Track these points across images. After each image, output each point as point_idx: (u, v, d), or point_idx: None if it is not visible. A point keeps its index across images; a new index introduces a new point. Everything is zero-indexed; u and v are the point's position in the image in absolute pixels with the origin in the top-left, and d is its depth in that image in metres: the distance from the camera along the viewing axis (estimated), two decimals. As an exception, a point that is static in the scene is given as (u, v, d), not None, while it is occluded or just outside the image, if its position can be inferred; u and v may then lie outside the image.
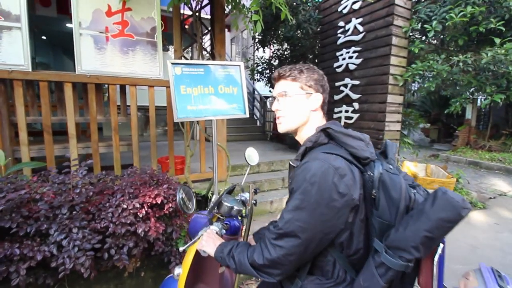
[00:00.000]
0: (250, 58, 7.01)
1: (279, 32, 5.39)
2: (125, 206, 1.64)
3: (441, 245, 0.79)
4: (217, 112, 2.18)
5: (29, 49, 2.02)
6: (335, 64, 4.18)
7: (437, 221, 0.73)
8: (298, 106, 0.95)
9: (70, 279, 1.71)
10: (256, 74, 6.53)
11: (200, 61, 2.19)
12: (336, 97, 4.20)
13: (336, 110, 4.26)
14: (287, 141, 5.96)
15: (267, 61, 6.38)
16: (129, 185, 1.78)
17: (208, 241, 1.01)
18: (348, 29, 3.93)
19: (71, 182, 1.71)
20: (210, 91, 2.17)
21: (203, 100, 2.13)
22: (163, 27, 2.54)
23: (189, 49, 5.00)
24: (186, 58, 2.77)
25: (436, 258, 0.80)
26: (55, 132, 2.30)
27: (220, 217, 1.19)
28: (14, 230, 1.39)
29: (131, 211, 1.64)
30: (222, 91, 2.20)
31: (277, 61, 6.24)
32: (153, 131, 2.56)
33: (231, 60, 7.52)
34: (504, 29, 3.04)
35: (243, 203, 1.24)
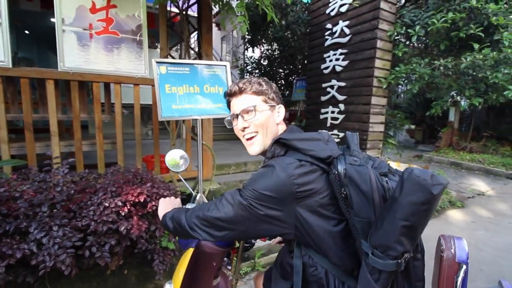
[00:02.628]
0: (239, 57, 7.02)
1: (269, 32, 5.44)
2: (107, 204, 1.64)
3: (464, 267, 0.74)
4: (203, 111, 2.19)
5: (10, 45, 1.98)
6: (323, 66, 4.25)
7: (410, 206, 0.66)
8: (267, 120, 0.91)
9: (51, 277, 1.70)
10: (245, 74, 6.56)
11: (186, 61, 2.21)
12: (323, 98, 4.28)
13: (322, 111, 4.33)
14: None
15: (257, 61, 6.42)
16: (111, 184, 1.78)
17: (163, 204, 1.04)
18: (336, 31, 4.00)
19: (52, 180, 1.69)
20: (195, 91, 2.18)
21: (189, 99, 2.15)
22: (150, 25, 2.53)
23: (178, 47, 4.98)
24: (172, 57, 2.77)
25: (459, 281, 0.76)
26: (37, 130, 2.27)
27: None
28: (-8, 228, 1.38)
29: (113, 209, 1.64)
30: (207, 90, 2.22)
31: (266, 61, 6.29)
32: (137, 129, 2.55)
33: (221, 59, 7.49)
34: (483, 35, 3.17)
35: None
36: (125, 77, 2.41)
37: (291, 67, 6.51)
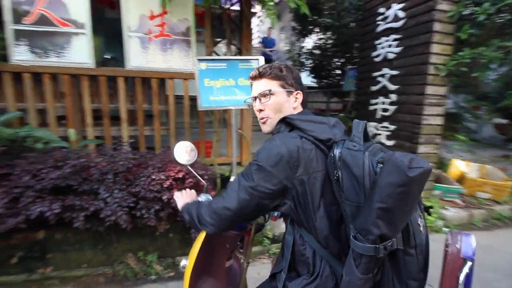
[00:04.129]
0: (291, 48, 7.04)
1: (319, 21, 5.33)
2: (154, 177, 2.04)
3: (469, 263, 0.73)
4: (237, 102, 2.43)
5: (93, 50, 2.56)
6: (374, 53, 4.02)
7: (386, 187, 0.67)
8: (282, 104, 0.94)
9: (115, 230, 2.20)
10: (297, 64, 6.57)
11: (222, 57, 2.47)
12: (373, 88, 4.05)
13: (372, 101, 4.11)
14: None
15: (309, 51, 6.35)
16: (159, 161, 2.19)
17: (180, 197, 1.11)
18: (388, 16, 3.72)
19: (117, 156, 2.19)
20: (231, 84, 2.43)
21: (225, 91, 2.41)
22: (200, 22, 2.87)
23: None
24: (217, 53, 3.08)
25: (462, 277, 0.74)
26: (112, 117, 2.87)
27: None
28: (76, 188, 1.90)
29: (158, 182, 2.04)
30: (242, 83, 2.45)
31: (318, 51, 6.17)
32: (186, 118, 2.96)
33: (275, 46, 7.67)
34: None
35: None
36: (176, 73, 2.82)
37: (348, 55, 6.23)
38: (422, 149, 3.37)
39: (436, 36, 3.15)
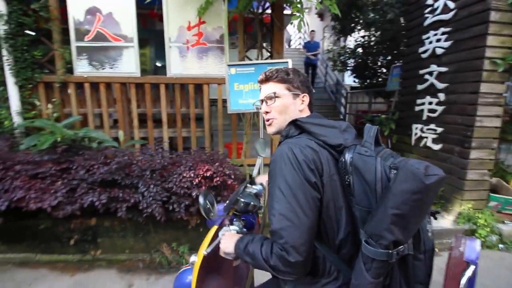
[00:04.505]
0: (332, 48, 6.84)
1: (360, 18, 5.09)
2: (185, 175, 2.22)
3: (472, 267, 0.72)
4: (265, 105, 2.50)
5: (139, 61, 2.88)
6: (420, 49, 3.71)
7: (401, 194, 0.67)
8: (287, 107, 0.97)
9: (152, 221, 2.44)
10: (338, 64, 6.35)
11: (251, 61, 2.56)
12: (419, 87, 3.74)
13: (418, 101, 3.79)
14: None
15: (351, 50, 6.10)
16: (190, 161, 2.36)
17: (227, 241, 1.00)
18: (437, 7, 3.41)
19: (156, 155, 2.43)
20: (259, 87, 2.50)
21: (253, 95, 2.50)
22: (231, 28, 3.02)
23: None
24: (249, 58, 3.18)
25: (463, 281, 0.73)
26: (155, 120, 3.17)
27: (236, 212, 1.18)
28: (120, 182, 2.18)
29: (188, 179, 2.21)
30: (269, 86, 2.50)
31: (361, 49, 5.88)
32: (220, 121, 3.12)
33: (319, 49, 7.52)
34: None
35: (256, 195, 1.22)
36: (211, 78, 3.00)
37: (395, 52, 5.82)
38: (474, 154, 3.00)
39: (492, 26, 2.79)
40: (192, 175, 2.22)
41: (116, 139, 2.82)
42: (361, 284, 0.74)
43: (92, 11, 2.77)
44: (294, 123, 0.91)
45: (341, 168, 0.82)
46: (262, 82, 1.01)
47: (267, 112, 0.98)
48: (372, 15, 4.70)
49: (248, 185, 1.25)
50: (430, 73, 3.55)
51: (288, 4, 2.92)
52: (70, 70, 2.86)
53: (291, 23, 2.39)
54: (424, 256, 0.81)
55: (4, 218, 2.13)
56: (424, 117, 3.67)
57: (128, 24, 2.80)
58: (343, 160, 0.81)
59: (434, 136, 3.49)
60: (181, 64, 2.96)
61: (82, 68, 2.86)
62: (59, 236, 2.41)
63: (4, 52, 2.64)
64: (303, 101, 0.98)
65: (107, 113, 2.99)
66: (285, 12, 3.00)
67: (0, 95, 2.76)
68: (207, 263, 1.17)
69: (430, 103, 3.58)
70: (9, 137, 2.61)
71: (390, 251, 0.69)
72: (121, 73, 2.90)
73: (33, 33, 2.78)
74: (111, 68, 2.90)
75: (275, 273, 0.82)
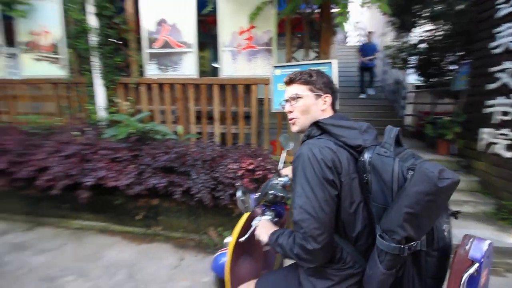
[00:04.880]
0: (392, 44, 6.40)
1: (422, 11, 4.69)
2: (230, 167, 2.47)
3: (476, 264, 0.73)
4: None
5: (198, 64, 3.25)
6: (491, 44, 3.31)
7: (415, 195, 0.72)
8: (309, 107, 1.03)
9: (202, 207, 2.76)
10: (398, 62, 5.94)
11: (295, 63, 2.67)
12: (490, 87, 3.34)
13: (488, 103, 3.38)
14: (428, 140, 5.15)
15: (412, 46, 5.64)
16: (236, 154, 2.61)
17: (262, 231, 1.12)
18: (514, -4, 3.00)
19: (207, 148, 2.74)
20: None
21: (297, 94, 2.61)
22: (279, 31, 3.17)
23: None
24: (296, 59, 3.29)
25: (464, 276, 0.74)
26: (209, 117, 3.52)
27: (266, 203, 1.30)
28: (176, 169, 2.54)
29: (233, 170, 2.45)
30: (313, 86, 2.59)
31: (424, 45, 5.40)
32: (266, 119, 3.31)
33: (377, 52, 7.04)
34: None
35: (284, 187, 1.32)
36: (259, 79, 3.21)
37: (466, 48, 5.19)
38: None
39: None
40: (236, 167, 2.46)
41: (176, 132, 3.25)
42: (375, 274, 0.81)
43: (160, 23, 3.24)
44: (317, 124, 0.99)
45: (360, 167, 0.88)
46: (287, 83, 1.09)
47: (290, 112, 1.07)
48: (437, 7, 4.30)
49: (275, 177, 1.36)
50: (503, 71, 3.15)
51: (335, 4, 2.95)
52: (142, 73, 3.39)
53: (337, 23, 2.42)
54: (437, 254, 0.85)
55: (91, 192, 2.69)
56: (495, 120, 3.27)
57: (189, 32, 3.19)
58: (362, 160, 0.87)
59: (508, 142, 3.09)
60: (232, 66, 3.23)
61: (151, 71, 3.36)
62: (129, 211, 2.92)
63: (93, 59, 3.26)
64: (325, 101, 1.04)
65: (170, 110, 3.45)
66: (335, 10, 3.00)
67: (89, 93, 3.42)
68: (239, 246, 1.31)
69: (503, 104, 3.17)
70: (96, 128, 3.24)
71: (402, 246, 0.75)
72: (182, 75, 3.31)
73: (119, 42, 3.37)
74: (174, 71, 3.33)
75: (299, 261, 0.92)
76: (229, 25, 3.12)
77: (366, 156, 0.87)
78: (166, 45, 3.27)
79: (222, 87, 3.37)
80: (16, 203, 3.17)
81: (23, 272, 2.28)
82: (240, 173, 2.45)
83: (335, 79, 2.54)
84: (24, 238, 2.81)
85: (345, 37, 12.21)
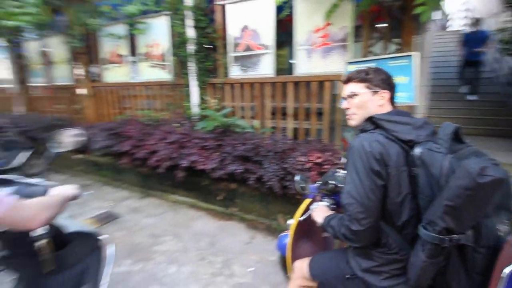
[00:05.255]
0: (505, 27, 5.24)
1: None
2: (298, 159, 2.65)
3: None
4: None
5: (275, 64, 3.51)
6: None
7: (455, 188, 0.76)
8: (365, 103, 1.12)
9: (272, 194, 3.03)
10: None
11: (370, 58, 2.61)
12: None
13: None
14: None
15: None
16: (305, 148, 2.76)
17: (318, 214, 1.27)
18: None
19: (279, 141, 2.99)
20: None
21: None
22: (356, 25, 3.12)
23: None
24: (374, 53, 3.17)
25: (506, 270, 0.75)
26: (282, 113, 3.76)
27: (326, 192, 1.42)
28: (251, 158, 2.88)
29: (300, 163, 2.62)
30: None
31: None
32: (338, 115, 3.32)
33: (489, 41, 5.75)
34: None
35: (344, 178, 1.50)
36: (333, 75, 3.24)
37: None
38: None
39: None
40: (304, 159, 2.62)
41: (253, 126, 3.61)
42: (417, 261, 0.88)
43: (243, 29, 3.64)
44: (370, 119, 1.07)
45: (410, 161, 0.95)
46: (344, 82, 1.20)
47: (347, 108, 1.18)
48: None
49: (337, 169, 1.48)
50: None
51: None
52: (226, 74, 3.88)
53: (421, 12, 2.27)
54: (485, 251, 0.87)
55: (185, 173, 3.31)
56: None
57: (268, 35, 3.48)
58: (413, 154, 0.94)
59: None
60: (306, 64, 3.36)
61: (235, 72, 3.81)
62: (212, 192, 3.44)
63: (190, 64, 3.92)
64: (382, 97, 1.11)
65: (249, 106, 3.85)
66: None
67: (186, 93, 4.12)
68: (301, 228, 1.48)
69: None
70: (190, 121, 3.90)
71: (442, 237, 0.80)
72: (260, 74, 3.64)
73: (211, 46, 3.95)
74: (253, 71, 3.69)
75: (345, 240, 1.04)
76: (305, 25, 3.26)
77: (417, 150, 0.92)
78: (248, 48, 3.65)
79: (296, 84, 3.54)
80: (134, 177, 4.14)
81: (136, 229, 3.04)
82: (308, 165, 2.60)
83: (419, 73, 2.39)
84: (138, 204, 3.68)
85: (446, 22, 10.50)
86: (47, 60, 5.87)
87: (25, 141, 4.60)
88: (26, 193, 1.03)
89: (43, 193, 1.06)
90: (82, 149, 4.53)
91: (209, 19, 3.89)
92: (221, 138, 3.29)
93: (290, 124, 3.64)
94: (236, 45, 3.74)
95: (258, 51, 3.60)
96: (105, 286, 1.42)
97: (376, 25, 3.08)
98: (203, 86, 3.99)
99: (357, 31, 3.12)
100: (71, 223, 1.36)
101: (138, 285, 2.16)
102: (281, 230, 2.95)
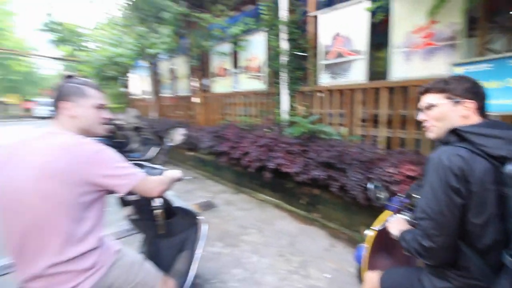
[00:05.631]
0: None
1: None
2: (387, 170, 2.49)
3: None
4: (502, 107, 2.11)
5: (367, 69, 3.39)
6: None
7: None
8: (445, 114, 1.05)
9: (356, 204, 2.93)
10: None
11: (488, 57, 2.21)
12: None
13: None
14: None
15: None
16: (396, 159, 2.56)
17: (394, 226, 1.23)
18: None
19: (367, 150, 2.88)
20: (499, 86, 2.13)
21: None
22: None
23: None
24: (493, 51, 2.62)
25: None
26: (374, 120, 3.55)
27: (410, 206, 1.37)
28: (335, 165, 2.88)
29: (389, 174, 2.45)
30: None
31: None
32: (443, 123, 2.91)
33: None
34: None
35: None
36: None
37: None
38: None
39: None
40: (393, 171, 2.44)
41: (340, 134, 3.57)
42: None
43: (334, 37, 3.66)
44: (454, 131, 0.99)
45: (501, 179, 0.86)
46: (421, 93, 1.15)
47: (424, 120, 1.12)
48: None
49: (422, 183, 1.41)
50: None
51: None
52: (315, 81, 3.97)
53: None
54: None
55: (272, 174, 3.59)
56: None
57: (361, 41, 3.38)
58: (503, 171, 0.85)
59: None
60: (403, 67, 3.09)
61: (324, 79, 3.86)
62: (296, 195, 3.60)
63: (282, 74, 4.20)
64: (466, 107, 1.02)
65: (337, 113, 3.82)
66: None
67: (277, 101, 4.42)
68: (379, 240, 1.47)
69: None
70: (279, 126, 4.18)
71: None
72: (350, 81, 3.57)
73: (304, 54, 4.14)
74: (344, 77, 3.65)
75: (417, 255, 0.99)
76: (403, 25, 3.01)
77: (509, 168, 0.83)
78: (339, 55, 3.65)
79: (391, 90, 3.30)
80: (230, 174, 4.75)
81: (229, 219, 3.50)
82: (398, 177, 2.42)
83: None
84: (232, 198, 4.22)
85: None
86: (173, 76, 7.41)
87: (156, 139, 5.97)
88: (150, 173, 1.48)
89: (160, 174, 1.50)
90: (192, 147, 5.52)
91: (301, 31, 4.09)
92: (307, 144, 3.41)
93: (383, 132, 3.40)
94: (327, 53, 3.79)
95: (350, 57, 3.54)
96: (199, 255, 1.81)
97: (497, 17, 2.56)
98: (292, 94, 4.21)
99: (471, 24, 2.67)
100: (177, 200, 1.81)
101: (225, 265, 2.53)
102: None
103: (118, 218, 1.83)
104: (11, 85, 23.18)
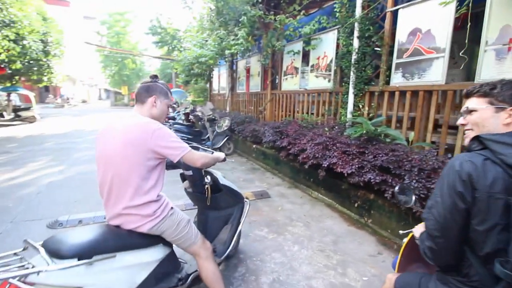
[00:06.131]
0: None
1: None
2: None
3: None
4: None
5: (446, 70, 3.02)
6: None
7: None
8: (485, 120, 0.99)
9: (411, 214, 2.69)
10: None
11: None
12: None
13: None
14: None
15: None
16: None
17: (419, 229, 1.23)
18: None
19: (430, 158, 2.61)
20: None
21: None
22: None
23: None
24: None
25: None
26: (451, 127, 3.14)
27: None
28: (391, 170, 2.71)
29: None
30: None
31: None
32: None
33: None
34: None
35: None
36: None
37: None
38: None
39: None
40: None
41: (407, 139, 3.29)
42: None
43: (413, 32, 3.35)
44: (477, 138, 0.96)
45: (510, 189, 0.84)
46: (465, 96, 1.09)
47: (463, 124, 1.08)
48: None
49: None
50: None
51: None
52: (387, 81, 3.73)
53: None
54: None
55: (326, 173, 3.59)
56: None
57: (443, 37, 3.03)
58: None
59: None
60: (495, 67, 2.64)
61: (396, 79, 3.59)
62: (349, 197, 3.51)
63: (351, 73, 4.08)
64: (510, 114, 0.96)
65: (407, 116, 3.52)
66: None
67: (345, 100, 4.32)
68: (413, 246, 1.41)
69: None
70: (341, 126, 4.10)
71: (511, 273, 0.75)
72: (427, 81, 3.24)
73: (375, 53, 3.94)
74: (419, 78, 3.33)
75: (423, 255, 1.03)
76: (498, 18, 2.58)
77: None
78: (416, 53, 3.34)
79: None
80: (287, 169, 4.90)
81: (279, 210, 3.68)
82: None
83: None
84: (286, 192, 4.37)
85: None
86: (247, 74, 7.94)
87: (226, 130, 6.57)
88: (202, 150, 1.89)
89: (211, 153, 1.85)
90: (258, 140, 5.88)
91: (376, 28, 3.88)
92: (365, 145, 3.28)
93: (459, 140, 2.99)
94: (403, 50, 3.51)
95: (428, 56, 3.21)
96: (239, 229, 2.09)
97: None
98: (360, 94, 4.05)
99: None
100: (224, 180, 2.11)
101: (267, 248, 2.73)
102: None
103: (184, 194, 2.26)
104: (124, 79, 29.89)
